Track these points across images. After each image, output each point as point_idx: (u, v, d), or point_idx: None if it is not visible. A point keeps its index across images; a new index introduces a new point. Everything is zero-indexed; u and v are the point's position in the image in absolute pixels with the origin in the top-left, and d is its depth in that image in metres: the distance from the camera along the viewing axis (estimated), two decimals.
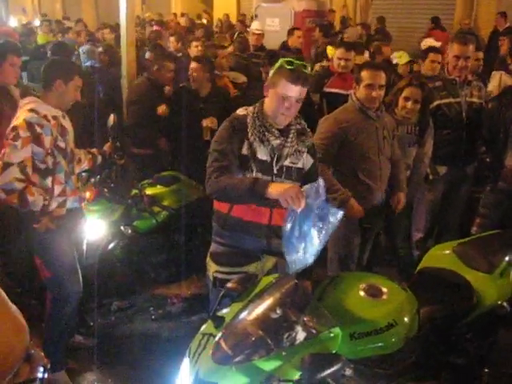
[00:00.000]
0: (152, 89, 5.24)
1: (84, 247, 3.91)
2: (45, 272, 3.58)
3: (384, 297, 2.67)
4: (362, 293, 2.67)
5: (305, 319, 2.37)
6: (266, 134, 2.79)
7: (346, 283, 2.77)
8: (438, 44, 6.71)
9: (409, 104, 4.01)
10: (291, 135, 2.84)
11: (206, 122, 4.84)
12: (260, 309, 2.42)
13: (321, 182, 2.46)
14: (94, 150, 3.92)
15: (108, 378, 3.86)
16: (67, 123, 3.51)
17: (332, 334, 2.34)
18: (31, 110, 3.26)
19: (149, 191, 4.37)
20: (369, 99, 3.65)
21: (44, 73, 3.43)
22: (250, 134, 2.80)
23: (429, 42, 7.57)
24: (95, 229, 4.10)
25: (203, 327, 2.58)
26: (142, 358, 4.00)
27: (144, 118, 5.14)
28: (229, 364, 2.26)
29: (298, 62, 2.75)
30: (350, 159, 3.65)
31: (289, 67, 2.72)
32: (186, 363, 2.46)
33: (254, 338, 2.30)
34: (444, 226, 4.80)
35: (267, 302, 2.43)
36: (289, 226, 2.42)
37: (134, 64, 6.05)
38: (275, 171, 2.84)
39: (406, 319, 2.63)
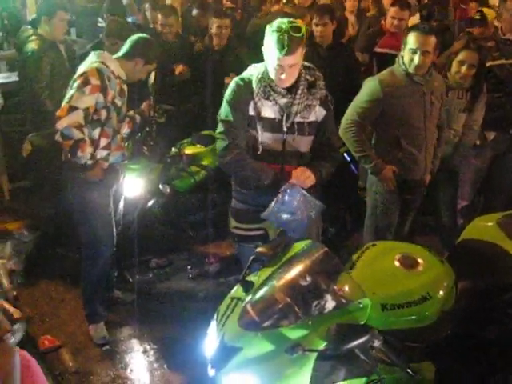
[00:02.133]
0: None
1: (122, 204, 3.93)
2: (80, 224, 3.65)
3: (419, 268, 2.57)
4: (396, 263, 2.58)
5: (335, 288, 2.32)
6: (272, 93, 2.78)
7: (381, 252, 2.68)
8: None
9: (463, 68, 3.79)
10: (299, 91, 2.78)
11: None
12: (289, 275, 2.37)
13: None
14: (131, 112, 3.91)
15: (144, 333, 3.95)
16: (126, 88, 3.58)
17: (361, 305, 2.27)
18: (102, 63, 3.35)
19: (188, 150, 4.36)
20: (411, 65, 3.45)
21: (130, 43, 3.52)
22: (255, 95, 2.79)
23: None
24: (134, 186, 4.13)
25: (232, 291, 2.57)
26: (178, 316, 4.07)
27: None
28: (255, 330, 2.24)
29: (287, 25, 2.61)
30: (393, 125, 3.50)
31: (276, 34, 2.61)
32: (213, 326, 2.46)
33: (281, 305, 2.27)
34: (491, 195, 4.60)
35: (297, 269, 2.39)
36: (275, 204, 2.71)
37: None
38: (285, 129, 2.83)
39: (441, 292, 2.53)
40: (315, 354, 2.14)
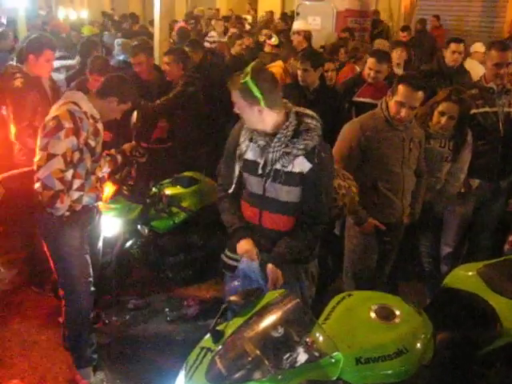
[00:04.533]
0: None
1: (100, 243, 3.86)
2: (55, 265, 3.57)
3: (396, 320, 2.51)
4: (372, 314, 2.52)
5: (307, 340, 2.24)
6: (255, 135, 2.79)
7: (357, 303, 2.62)
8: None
9: (443, 119, 3.78)
10: (276, 138, 2.71)
11: None
12: (260, 326, 2.30)
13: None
14: (113, 151, 3.88)
15: (117, 378, 3.81)
16: (101, 128, 3.53)
17: (333, 360, 2.20)
18: (74, 103, 3.31)
19: (168, 191, 4.31)
20: (396, 117, 3.46)
21: (104, 82, 3.50)
22: (242, 135, 2.85)
23: (478, 46, 7.29)
24: (112, 226, 4.07)
25: (203, 340, 2.48)
26: (155, 361, 3.95)
27: None
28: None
29: (247, 73, 2.61)
30: (372, 169, 3.49)
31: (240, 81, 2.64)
32: (181, 377, 2.36)
33: (250, 358, 2.19)
34: (475, 243, 4.57)
35: (268, 320, 2.31)
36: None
37: None
38: (260, 171, 2.78)
39: (418, 346, 2.47)
40: None
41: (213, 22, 10.90)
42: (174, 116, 5.27)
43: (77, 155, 3.31)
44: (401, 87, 3.42)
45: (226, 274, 3.12)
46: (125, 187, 4.06)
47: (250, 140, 2.81)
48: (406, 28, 9.65)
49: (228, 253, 3.05)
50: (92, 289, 3.64)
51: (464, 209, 4.33)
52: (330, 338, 2.27)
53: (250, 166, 2.82)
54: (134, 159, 4.05)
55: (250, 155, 2.81)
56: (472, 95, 4.16)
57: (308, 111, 2.81)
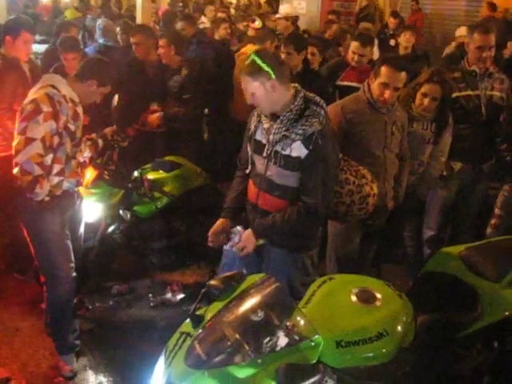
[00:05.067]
0: None
1: (82, 229, 3.81)
2: (35, 251, 3.53)
3: (377, 303, 2.50)
4: (353, 297, 2.51)
5: (287, 324, 2.23)
6: (262, 117, 2.88)
7: (338, 286, 2.61)
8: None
9: (426, 101, 3.77)
10: (279, 120, 2.75)
11: None
12: (240, 310, 2.29)
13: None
14: (94, 136, 3.82)
15: (100, 364, 3.79)
16: (81, 111, 3.48)
17: (313, 343, 2.19)
18: (53, 87, 3.24)
19: (150, 176, 4.27)
20: (380, 99, 3.44)
21: (83, 65, 3.45)
22: (252, 115, 2.97)
23: (462, 30, 7.26)
24: (94, 211, 4.02)
25: (182, 325, 2.47)
26: (138, 346, 3.93)
27: None
28: (201, 368, 2.14)
29: (253, 54, 2.68)
30: (353, 152, 3.45)
31: (246, 61, 2.71)
32: (160, 362, 2.35)
33: (230, 342, 2.17)
34: (457, 226, 4.57)
35: (248, 304, 2.30)
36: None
37: None
38: (265, 154, 2.85)
39: (399, 329, 2.46)
40: None
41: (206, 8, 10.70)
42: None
43: (56, 139, 3.26)
44: (384, 68, 3.40)
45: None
46: (106, 172, 4.02)
47: (259, 121, 2.90)
48: (394, 14, 9.56)
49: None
50: (74, 274, 3.60)
51: (446, 192, 4.32)
52: (309, 322, 2.26)
53: (258, 147, 2.92)
54: (115, 143, 4.00)
55: (258, 136, 2.92)
56: (454, 78, 4.14)
57: (317, 98, 2.82)
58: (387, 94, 3.40)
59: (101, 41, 6.06)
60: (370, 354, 2.35)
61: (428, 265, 3.14)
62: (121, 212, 4.13)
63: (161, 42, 5.14)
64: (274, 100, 2.72)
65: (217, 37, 6.65)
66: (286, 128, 2.73)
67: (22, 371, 3.68)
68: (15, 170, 3.14)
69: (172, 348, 2.33)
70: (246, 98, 2.81)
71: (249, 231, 2.88)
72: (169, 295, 4.44)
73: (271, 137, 2.78)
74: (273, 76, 2.64)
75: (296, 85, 2.83)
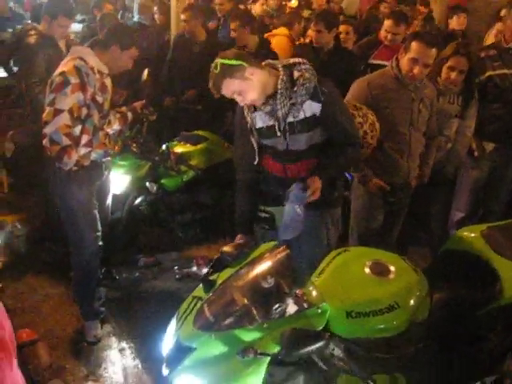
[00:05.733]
0: None
1: (109, 200, 3.89)
2: (64, 220, 3.64)
3: (390, 276, 2.47)
4: (367, 269, 2.48)
5: (297, 292, 2.24)
6: (255, 106, 2.84)
7: (352, 258, 2.58)
8: None
9: (453, 74, 3.69)
10: (278, 96, 2.73)
11: None
12: (250, 276, 2.31)
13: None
14: (124, 109, 3.89)
15: (123, 331, 3.91)
16: (109, 83, 3.53)
17: (319, 310, 2.19)
18: (81, 59, 3.31)
19: (177, 149, 4.30)
20: (409, 75, 3.38)
21: (106, 33, 3.50)
22: (244, 110, 2.89)
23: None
24: (121, 183, 4.10)
25: (195, 290, 2.51)
26: (160, 316, 3.95)
27: None
28: (208, 331, 2.17)
29: (218, 62, 2.63)
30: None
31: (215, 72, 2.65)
32: (172, 325, 2.40)
33: (238, 307, 2.20)
34: (488, 209, 4.47)
35: (258, 270, 2.32)
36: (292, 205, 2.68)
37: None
38: (279, 133, 2.82)
39: (411, 302, 2.43)
40: (268, 358, 2.06)
41: None
42: None
43: (84, 111, 3.32)
44: (414, 44, 3.33)
45: (258, 231, 3.10)
46: (134, 144, 4.08)
47: (254, 110, 2.86)
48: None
49: (262, 207, 3.06)
50: (100, 243, 3.69)
51: (477, 173, 4.24)
52: (319, 291, 2.26)
53: (266, 132, 2.88)
54: (144, 117, 4.06)
55: (260, 123, 2.87)
56: (489, 56, 4.04)
57: (293, 59, 2.82)
58: (416, 69, 3.34)
59: (135, 18, 6.11)
60: (380, 326, 2.33)
61: (449, 243, 3.07)
62: (147, 184, 4.19)
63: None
64: (261, 83, 2.70)
65: (255, 13, 6.62)
66: (289, 97, 2.73)
67: (48, 335, 3.81)
68: (44, 141, 3.22)
69: (183, 311, 2.38)
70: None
71: (312, 177, 2.76)
72: (194, 268, 4.44)
73: (279, 112, 2.76)
74: (245, 64, 2.63)
75: (268, 60, 2.85)
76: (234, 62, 2.62)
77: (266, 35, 5.91)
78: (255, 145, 2.92)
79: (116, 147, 4.02)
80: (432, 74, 3.72)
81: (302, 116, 2.77)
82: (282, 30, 5.85)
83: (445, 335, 2.64)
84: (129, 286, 4.38)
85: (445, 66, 3.71)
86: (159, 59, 5.46)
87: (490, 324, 2.79)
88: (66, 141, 3.21)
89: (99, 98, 3.39)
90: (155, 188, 4.18)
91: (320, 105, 2.76)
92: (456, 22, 6.13)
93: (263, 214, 3.02)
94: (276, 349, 2.06)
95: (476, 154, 4.14)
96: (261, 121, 2.87)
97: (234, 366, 2.08)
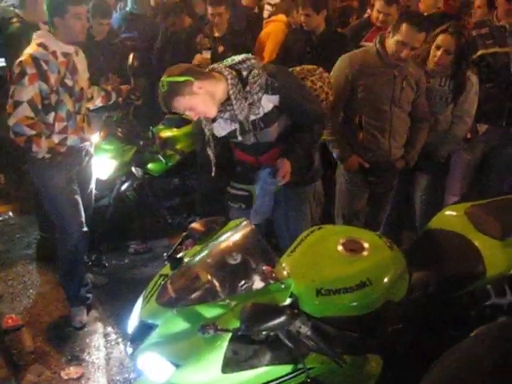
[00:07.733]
0: None
1: (93, 184, 3.85)
2: (47, 207, 3.62)
3: (364, 253, 2.39)
4: (339, 247, 2.41)
5: (263, 268, 2.18)
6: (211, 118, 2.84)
7: (326, 236, 2.51)
8: None
9: (439, 53, 3.55)
10: (233, 101, 2.68)
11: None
12: (215, 252, 2.26)
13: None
14: (109, 87, 3.84)
15: (109, 317, 3.90)
16: (80, 61, 3.46)
17: (283, 286, 2.12)
18: (40, 45, 3.23)
19: (162, 133, 4.25)
20: (394, 56, 3.32)
21: (47, 4, 3.36)
22: (203, 122, 2.89)
23: None
24: (107, 168, 4.06)
25: (163, 268, 2.46)
26: None
27: None
28: (170, 307, 2.12)
29: (164, 81, 2.59)
30: (359, 105, 3.35)
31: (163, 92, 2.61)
32: (138, 302, 2.35)
33: (201, 283, 2.15)
34: (482, 192, 4.36)
35: (224, 247, 2.26)
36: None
37: None
38: (240, 137, 2.82)
39: (385, 279, 2.35)
40: (229, 335, 2.01)
41: None
42: None
43: (54, 97, 3.25)
44: (404, 26, 3.26)
45: (231, 208, 3.12)
46: (119, 129, 4.04)
47: (213, 121, 2.84)
48: None
49: (235, 184, 3.04)
50: (84, 229, 3.65)
51: (470, 155, 4.13)
52: (284, 267, 2.21)
53: (230, 136, 2.88)
54: (130, 101, 4.02)
55: (222, 132, 2.88)
56: (481, 34, 3.93)
57: (237, 57, 2.78)
58: (404, 53, 3.28)
59: (128, 8, 6.02)
60: (351, 304, 2.26)
61: (431, 223, 2.99)
62: (133, 169, 4.15)
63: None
64: (211, 95, 2.64)
65: (244, 3, 6.52)
66: (245, 98, 2.68)
67: (35, 321, 3.82)
68: (10, 133, 3.18)
69: (150, 289, 2.33)
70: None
71: (282, 159, 2.77)
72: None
73: (240, 116, 2.73)
74: (192, 79, 2.57)
75: (211, 66, 2.81)
76: (180, 79, 2.57)
77: (265, 21, 5.87)
78: (212, 155, 2.96)
79: (102, 133, 4.00)
80: (423, 54, 3.62)
81: (262, 112, 2.75)
82: (281, 17, 5.82)
83: (424, 316, 2.57)
84: (118, 273, 4.37)
85: (433, 45, 3.60)
86: (150, 47, 5.39)
87: (472, 304, 2.72)
88: (29, 131, 3.15)
89: (69, 82, 3.32)
90: (141, 173, 4.14)
91: (277, 96, 2.73)
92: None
93: (240, 192, 2.97)
94: (236, 324, 2.00)
95: (469, 135, 4.03)
96: (222, 129, 2.86)
97: (196, 342, 2.03)
